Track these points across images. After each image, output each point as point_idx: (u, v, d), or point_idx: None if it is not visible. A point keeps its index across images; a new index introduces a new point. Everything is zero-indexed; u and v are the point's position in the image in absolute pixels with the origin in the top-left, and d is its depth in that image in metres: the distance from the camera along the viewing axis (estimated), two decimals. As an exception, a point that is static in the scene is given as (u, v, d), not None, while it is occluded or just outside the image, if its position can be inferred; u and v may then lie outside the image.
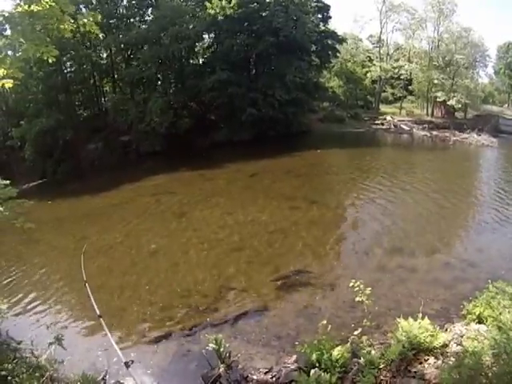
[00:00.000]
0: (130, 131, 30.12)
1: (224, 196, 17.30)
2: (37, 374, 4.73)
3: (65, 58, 30.12)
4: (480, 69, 44.37)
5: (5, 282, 10.80)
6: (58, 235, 14.59)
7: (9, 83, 4.80)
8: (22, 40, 4.78)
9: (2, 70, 4.72)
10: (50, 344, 5.33)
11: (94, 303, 5.74)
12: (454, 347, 5.06)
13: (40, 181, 28.94)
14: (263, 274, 9.64)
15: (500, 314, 5.23)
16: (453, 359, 4.68)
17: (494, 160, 26.21)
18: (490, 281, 6.25)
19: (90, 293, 6.02)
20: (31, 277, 10.99)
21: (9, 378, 4.33)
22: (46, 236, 14.11)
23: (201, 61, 35.43)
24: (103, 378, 5.98)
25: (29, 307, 9.18)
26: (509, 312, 5.09)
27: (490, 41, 64.89)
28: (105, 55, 34.52)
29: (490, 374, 3.96)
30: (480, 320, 5.63)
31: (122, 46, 32.73)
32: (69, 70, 32.53)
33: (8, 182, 5.40)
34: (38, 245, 13.46)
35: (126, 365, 5.31)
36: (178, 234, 13.18)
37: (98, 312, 6.52)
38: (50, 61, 5.12)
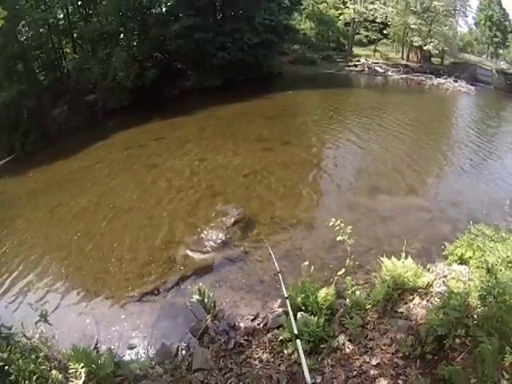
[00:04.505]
0: (94, 90, 28.83)
1: (196, 143, 16.86)
2: (33, 357, 4.65)
3: (19, 26, 28.10)
4: (460, 18, 43.13)
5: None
6: (34, 208, 13.91)
7: None
8: None
9: None
10: (37, 322, 5.21)
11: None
12: (437, 287, 5.07)
13: (9, 157, 27.23)
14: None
15: (482, 255, 5.21)
16: (437, 299, 4.70)
17: (471, 107, 26.01)
18: (471, 222, 6.22)
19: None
20: (10, 256, 10.47)
21: (6, 367, 4.16)
22: (21, 212, 13.51)
23: (164, 9, 33.60)
24: (95, 347, 5.95)
25: (13, 289, 8.78)
26: (493, 254, 5.04)
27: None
28: (61, 15, 32.16)
29: (475, 316, 3.98)
30: (462, 261, 5.63)
31: (80, 3, 30.99)
32: (25, 37, 30.06)
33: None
34: (15, 222, 12.84)
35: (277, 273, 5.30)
36: (152, 186, 12.90)
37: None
38: (-1, 24, 4.57)
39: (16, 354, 4.50)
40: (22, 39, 29.38)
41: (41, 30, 29.84)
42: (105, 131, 22.97)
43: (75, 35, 32.54)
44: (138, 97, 26.81)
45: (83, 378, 4.65)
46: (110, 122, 25.76)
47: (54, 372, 4.59)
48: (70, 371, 4.73)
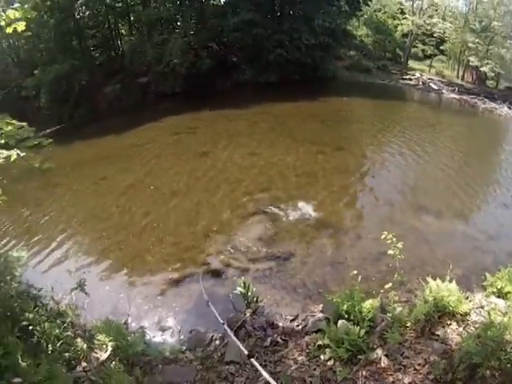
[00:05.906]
0: (147, 73, 29.42)
1: (248, 137, 16.84)
2: (58, 321, 4.67)
3: (77, 4, 29.46)
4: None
5: (24, 228, 10.66)
6: (78, 178, 14.34)
7: (21, 26, 4.43)
8: None
9: (13, 12, 4.35)
10: (72, 290, 5.25)
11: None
12: (474, 316, 4.98)
13: (56, 127, 28.12)
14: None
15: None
16: (473, 328, 4.65)
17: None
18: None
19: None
20: (50, 222, 10.81)
21: (30, 327, 4.22)
22: (65, 180, 13.91)
23: (222, 1, 33.76)
24: (125, 323, 5.98)
25: (49, 253, 9.04)
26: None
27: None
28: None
29: (508, 350, 3.89)
30: (500, 294, 5.49)
31: (139, -13, 31.59)
32: (81, 15, 31.40)
33: (25, 123, 4.98)
34: (58, 189, 13.30)
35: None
36: (201, 173, 13.01)
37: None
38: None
39: (42, 316, 4.53)
40: (78, 17, 30.55)
41: (98, 9, 31.10)
42: (155, 114, 23.31)
43: (132, 18, 33.33)
44: (191, 85, 27.07)
45: (109, 352, 4.63)
46: (160, 106, 26.09)
47: (78, 340, 4.63)
48: (96, 342, 4.75)
